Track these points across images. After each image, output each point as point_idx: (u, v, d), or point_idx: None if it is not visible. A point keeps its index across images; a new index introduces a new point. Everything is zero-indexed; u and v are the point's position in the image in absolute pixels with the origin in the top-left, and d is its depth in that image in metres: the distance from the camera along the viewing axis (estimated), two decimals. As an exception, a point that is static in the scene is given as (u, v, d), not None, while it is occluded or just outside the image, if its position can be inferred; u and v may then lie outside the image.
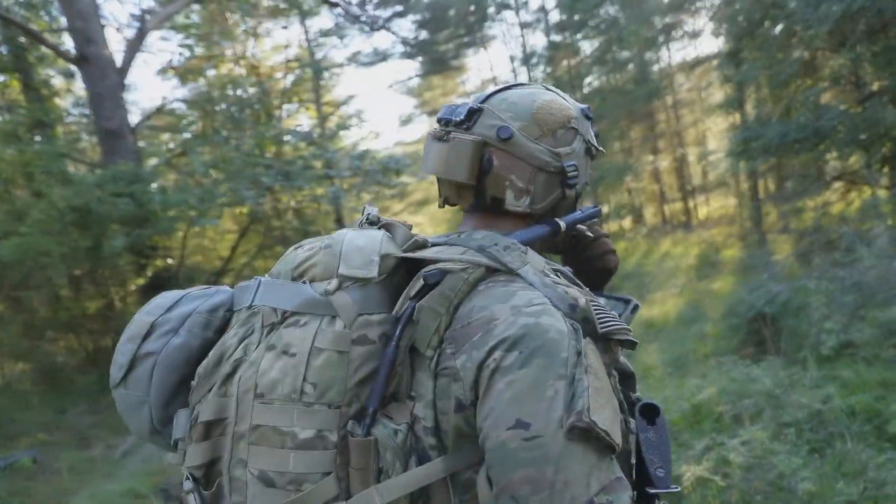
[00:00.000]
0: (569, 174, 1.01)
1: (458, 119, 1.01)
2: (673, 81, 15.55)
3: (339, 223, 11.91)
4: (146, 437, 1.03)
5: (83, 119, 9.57)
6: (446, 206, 1.10)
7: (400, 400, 0.87)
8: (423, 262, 0.93)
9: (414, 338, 0.87)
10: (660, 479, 0.89)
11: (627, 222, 17.51)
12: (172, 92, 12.83)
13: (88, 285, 7.13)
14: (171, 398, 0.98)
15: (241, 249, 8.79)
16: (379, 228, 1.00)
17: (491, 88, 1.07)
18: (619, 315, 1.04)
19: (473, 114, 1.00)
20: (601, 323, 0.84)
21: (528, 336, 0.80)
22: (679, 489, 0.92)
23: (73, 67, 8.05)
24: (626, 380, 0.97)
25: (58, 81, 9.44)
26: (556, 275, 0.94)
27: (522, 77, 18.84)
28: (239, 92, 10.71)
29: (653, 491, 0.89)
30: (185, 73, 10.73)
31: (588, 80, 13.93)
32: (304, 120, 11.92)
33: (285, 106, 11.29)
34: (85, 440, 5.84)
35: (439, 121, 1.05)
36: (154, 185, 6.22)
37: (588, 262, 1.17)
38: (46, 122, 7.83)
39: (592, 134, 1.07)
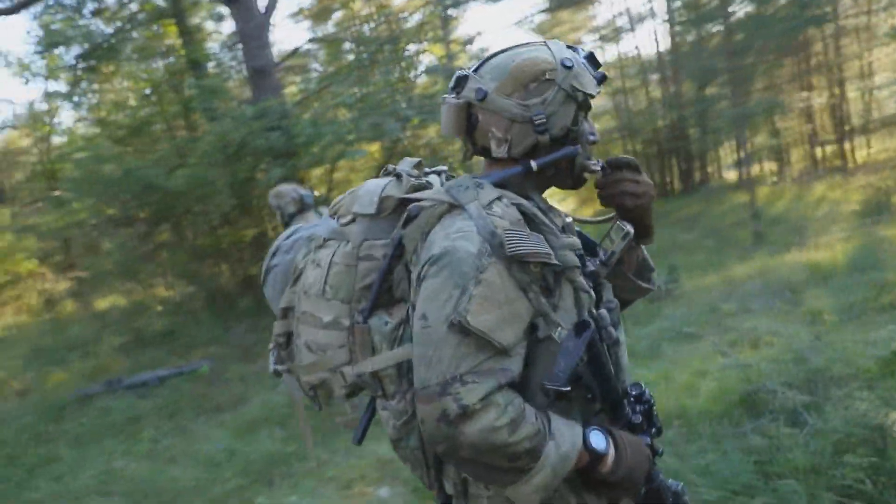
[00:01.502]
0: (536, 122, 1.17)
1: (451, 85, 1.23)
2: (837, 6, 13.75)
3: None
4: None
5: (230, 60, 10.03)
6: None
7: (400, 301, 1.20)
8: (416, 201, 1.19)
9: (406, 257, 1.17)
10: (556, 377, 1.05)
11: (771, 165, 16.13)
12: (303, 35, 13.16)
13: (243, 216, 7.59)
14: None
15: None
16: (392, 177, 1.28)
17: (486, 54, 1.25)
18: (613, 243, 1.28)
19: (461, 80, 1.21)
20: (509, 246, 1.06)
21: (444, 255, 1.06)
22: (568, 390, 1.05)
23: (222, 10, 8.41)
24: (578, 298, 1.16)
25: (208, 25, 9.93)
26: (506, 205, 1.14)
27: (660, 6, 17.52)
28: (368, 31, 10.79)
29: (545, 383, 1.06)
30: (319, 13, 10.93)
31: (736, 6, 12.58)
32: (430, 59, 11.79)
33: (411, 45, 11.24)
34: (248, 355, 6.34)
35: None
36: (305, 118, 6.40)
37: (603, 199, 1.33)
38: (201, 63, 8.27)
39: (583, 79, 1.21)
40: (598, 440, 1.11)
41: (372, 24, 10.73)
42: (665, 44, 17.49)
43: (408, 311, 1.16)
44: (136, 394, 5.43)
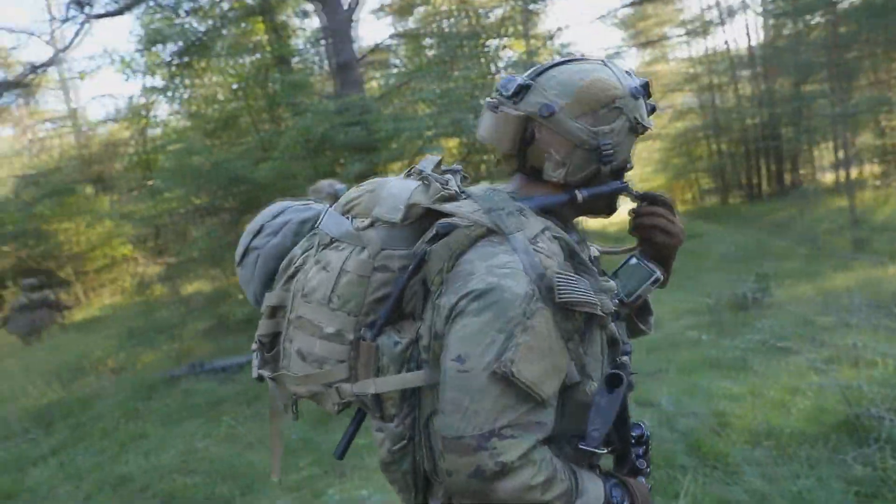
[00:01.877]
0: (604, 152, 1.10)
1: (506, 93, 1.12)
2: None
3: (502, 168, 11.66)
4: (255, 307, 1.33)
5: (314, 56, 10.26)
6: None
7: (413, 319, 1.10)
8: (444, 213, 1.09)
9: (426, 274, 1.07)
10: (592, 438, 1.00)
11: (874, 168, 15.00)
12: (385, 30, 13.35)
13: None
14: (268, 282, 1.27)
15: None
16: (419, 181, 1.15)
17: (546, 63, 1.15)
18: (638, 285, 1.22)
19: (521, 90, 1.11)
20: (560, 293, 0.98)
21: (489, 292, 0.98)
22: (604, 452, 1.05)
23: (309, 7, 8.60)
24: (611, 346, 1.12)
25: (294, 21, 10.19)
26: (549, 239, 1.06)
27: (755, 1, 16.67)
28: (449, 28, 10.77)
29: (582, 446, 1.01)
30: (401, 8, 11.01)
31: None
32: (511, 54, 11.65)
33: (491, 41, 11.13)
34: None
35: (496, 90, 1.15)
36: (385, 113, 6.46)
37: (635, 228, 1.28)
38: (286, 58, 8.50)
39: (643, 110, 1.14)
40: (619, 495, 1.09)
41: (453, 20, 10.70)
42: (758, 38, 16.53)
43: (418, 331, 1.08)
44: (218, 378, 5.64)
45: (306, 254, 1.19)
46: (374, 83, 10.87)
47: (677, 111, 16.86)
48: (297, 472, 3.81)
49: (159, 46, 9.19)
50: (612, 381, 1.04)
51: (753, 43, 16.39)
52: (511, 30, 10.38)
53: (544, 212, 1.12)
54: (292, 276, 1.20)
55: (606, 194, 1.18)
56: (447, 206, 1.10)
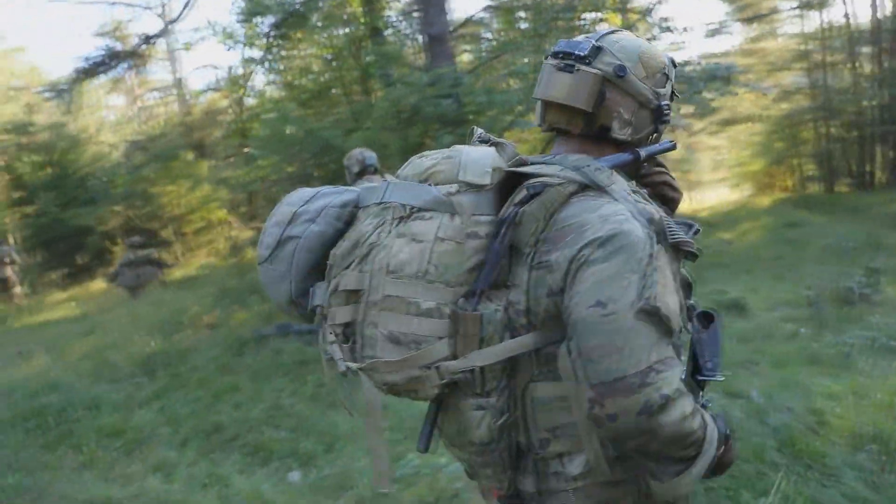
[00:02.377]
0: (664, 111, 1.21)
1: (581, 53, 1.15)
2: None
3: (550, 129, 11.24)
4: (283, 307, 1.26)
5: (405, 28, 10.29)
6: (550, 130, 1.27)
7: (499, 286, 1.08)
8: (525, 176, 1.10)
9: (515, 237, 1.07)
10: (708, 369, 1.10)
11: None
12: (476, 3, 13.18)
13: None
14: (307, 275, 1.22)
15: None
16: (489, 146, 1.17)
17: (602, 30, 1.22)
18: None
19: (596, 51, 1.15)
20: (671, 235, 1.06)
21: (615, 237, 0.99)
22: (723, 378, 1.12)
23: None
24: (685, 287, 1.17)
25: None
26: (636, 194, 1.12)
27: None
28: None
29: (700, 378, 1.11)
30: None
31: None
32: (606, 28, 11.22)
33: (585, 14, 10.76)
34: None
35: (557, 54, 1.19)
36: (477, 86, 6.42)
37: (646, 186, 1.27)
38: (379, 30, 8.58)
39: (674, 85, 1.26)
40: (723, 425, 1.12)
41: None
42: (884, 10, 15.05)
43: (508, 297, 1.08)
44: (304, 340, 5.87)
45: (379, 230, 1.13)
46: (464, 56, 10.80)
47: (783, 91, 15.71)
48: (388, 432, 3.93)
49: (259, 18, 9.50)
50: (706, 319, 1.12)
51: (879, 16, 14.96)
52: (609, 2, 9.99)
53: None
54: (366, 256, 1.12)
55: (656, 153, 1.28)
56: (531, 168, 1.11)
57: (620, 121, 1.17)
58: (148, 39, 10.76)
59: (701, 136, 17.59)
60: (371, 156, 4.89)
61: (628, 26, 11.35)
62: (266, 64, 10.50)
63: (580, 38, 1.20)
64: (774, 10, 16.42)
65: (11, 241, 16.97)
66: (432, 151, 1.23)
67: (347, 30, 9.10)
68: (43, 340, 8.45)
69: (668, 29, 6.96)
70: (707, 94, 6.78)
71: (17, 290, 13.11)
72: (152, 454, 4.07)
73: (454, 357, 1.06)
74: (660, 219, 1.07)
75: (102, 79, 12.32)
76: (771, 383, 3.92)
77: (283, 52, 9.93)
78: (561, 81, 1.17)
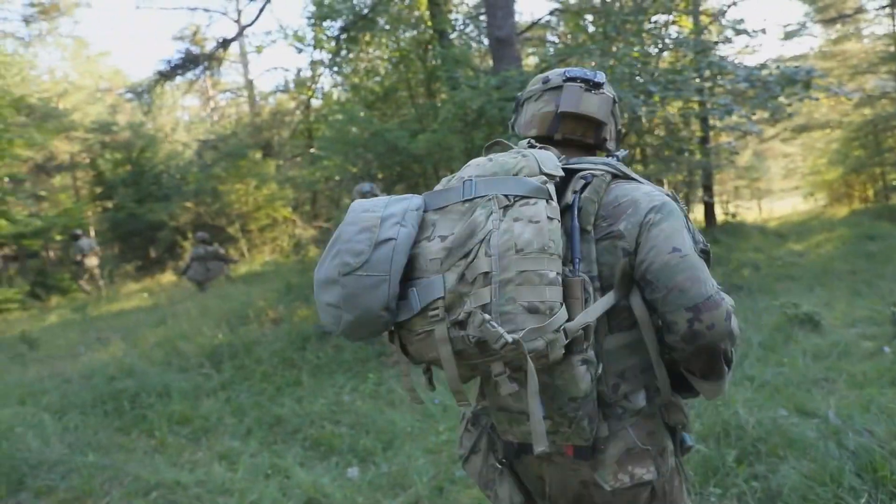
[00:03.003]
0: (620, 132, 1.65)
1: (600, 81, 1.55)
2: None
3: (705, 140, 10.88)
4: (375, 314, 1.24)
5: (470, 30, 10.31)
6: (562, 140, 1.56)
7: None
8: (571, 171, 1.40)
9: (579, 217, 1.33)
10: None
11: None
12: (541, 6, 13.08)
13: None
14: (401, 276, 1.26)
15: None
16: (540, 150, 1.40)
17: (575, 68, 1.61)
18: None
19: (601, 83, 1.55)
20: (681, 204, 1.42)
21: (664, 205, 1.35)
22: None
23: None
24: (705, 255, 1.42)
25: (455, -4, 10.31)
26: None
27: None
28: (612, 2, 10.29)
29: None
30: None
31: None
32: (677, 32, 10.94)
33: (655, 17, 10.50)
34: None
35: (574, 79, 1.54)
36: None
37: None
38: (445, 33, 8.63)
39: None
40: None
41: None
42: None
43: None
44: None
45: (491, 217, 1.24)
46: (529, 60, 10.74)
47: (867, 96, 14.86)
48: (437, 436, 3.94)
49: (328, 21, 9.72)
50: None
51: None
52: (682, 5, 9.73)
53: None
54: (486, 241, 1.22)
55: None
56: (580, 164, 1.42)
57: (610, 134, 1.59)
58: (225, 43, 11.17)
59: (772, 143, 16.86)
60: (375, 187, 6.27)
61: (700, 30, 11.05)
62: (335, 67, 10.72)
63: (583, 69, 1.56)
64: (860, 10, 15.56)
65: (92, 233, 17.95)
66: (483, 158, 1.39)
67: (414, 32, 9.19)
68: (119, 328, 8.89)
69: (744, 31, 6.69)
70: (783, 100, 6.49)
71: (100, 280, 13.90)
72: (218, 442, 4.21)
73: (570, 319, 1.22)
74: (671, 193, 1.43)
75: (179, 81, 12.86)
76: (848, 404, 3.72)
77: (351, 55, 10.12)
78: (590, 100, 1.52)
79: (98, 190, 18.96)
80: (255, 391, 5.10)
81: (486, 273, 1.20)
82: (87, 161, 20.28)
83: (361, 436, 4.13)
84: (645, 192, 1.37)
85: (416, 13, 9.56)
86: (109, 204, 18.58)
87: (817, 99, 6.99)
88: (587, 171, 1.38)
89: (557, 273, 1.21)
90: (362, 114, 8.55)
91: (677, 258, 1.27)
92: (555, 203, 1.27)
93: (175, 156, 20.09)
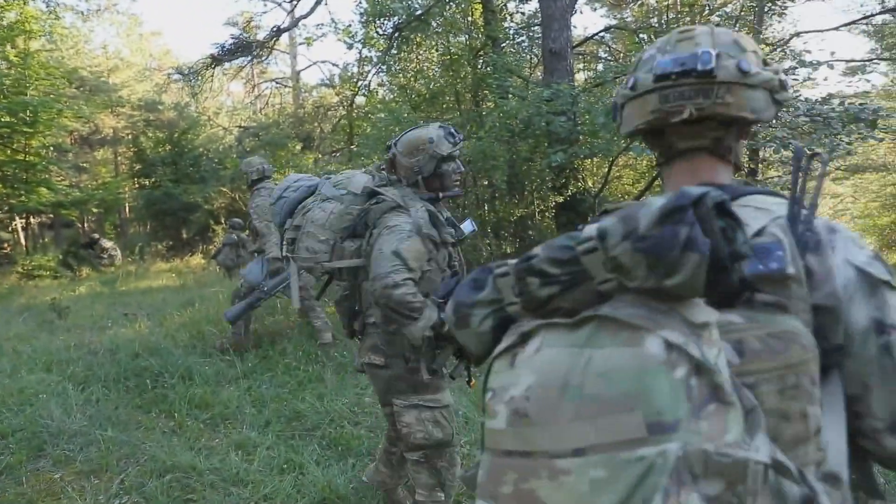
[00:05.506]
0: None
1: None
2: None
3: (753, 173, 10.59)
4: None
5: (524, 41, 10.23)
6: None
7: None
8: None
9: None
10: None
11: None
12: (594, 21, 12.94)
13: (511, 194, 7.74)
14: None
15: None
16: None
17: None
18: None
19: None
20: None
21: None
22: None
23: (527, -10, 8.51)
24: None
25: (511, 5, 10.24)
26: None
27: None
28: (669, 22, 10.13)
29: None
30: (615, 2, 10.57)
31: None
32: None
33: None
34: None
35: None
36: (597, 106, 6.22)
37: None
38: (498, 41, 8.54)
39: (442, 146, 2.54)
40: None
41: (675, 15, 10.06)
42: None
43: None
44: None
45: None
46: (579, 75, 10.60)
47: (898, 101, 14.27)
48: (459, 449, 3.82)
49: (381, 19, 9.71)
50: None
51: None
52: (744, 29, 9.52)
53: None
54: None
55: None
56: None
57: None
58: (279, 32, 11.24)
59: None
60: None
61: (761, 58, 10.77)
62: (383, 66, 10.71)
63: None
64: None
65: (127, 210, 18.21)
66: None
67: (466, 37, 9.12)
68: (146, 305, 8.95)
69: (808, 64, 6.46)
70: (844, 137, 6.25)
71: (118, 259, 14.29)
72: (235, 431, 4.15)
73: None
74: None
75: (227, 66, 12.99)
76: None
77: (401, 55, 10.09)
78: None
79: (138, 167, 19.28)
80: (276, 383, 5.03)
81: None
82: (129, 137, 20.65)
83: (380, 438, 4.03)
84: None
85: (469, 18, 9.50)
86: (147, 182, 18.87)
87: (882, 140, 6.73)
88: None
89: None
90: (406, 115, 8.50)
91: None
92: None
93: (215, 139, 20.35)
